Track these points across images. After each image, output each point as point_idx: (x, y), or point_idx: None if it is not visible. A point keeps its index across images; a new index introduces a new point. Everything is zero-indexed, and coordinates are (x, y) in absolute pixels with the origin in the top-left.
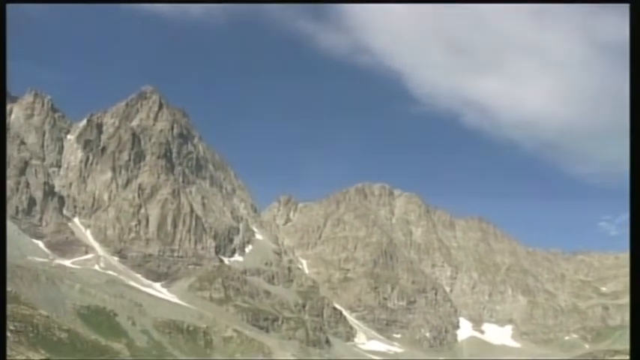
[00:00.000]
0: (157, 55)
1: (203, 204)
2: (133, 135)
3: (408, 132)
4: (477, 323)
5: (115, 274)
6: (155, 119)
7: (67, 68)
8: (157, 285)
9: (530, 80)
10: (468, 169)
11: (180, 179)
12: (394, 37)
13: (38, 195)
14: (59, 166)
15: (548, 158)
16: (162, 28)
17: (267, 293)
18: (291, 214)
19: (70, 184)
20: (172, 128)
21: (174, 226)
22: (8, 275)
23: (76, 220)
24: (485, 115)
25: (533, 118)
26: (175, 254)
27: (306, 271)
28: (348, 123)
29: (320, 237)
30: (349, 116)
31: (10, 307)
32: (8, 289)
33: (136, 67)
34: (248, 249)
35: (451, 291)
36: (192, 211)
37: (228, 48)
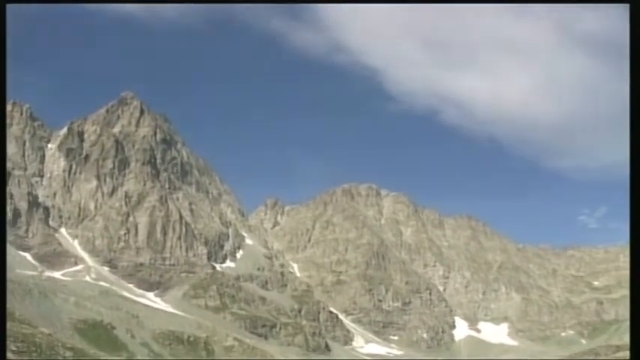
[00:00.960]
0: (133, 59)
1: (191, 210)
2: (116, 142)
3: (387, 130)
4: (473, 322)
5: (108, 284)
6: (137, 125)
7: (42, 74)
8: (150, 294)
9: (507, 75)
10: (451, 166)
11: (167, 185)
12: (370, 35)
13: (22, 206)
14: (42, 176)
15: (526, 153)
16: (136, 32)
17: (263, 299)
18: (279, 218)
19: (55, 194)
20: (155, 134)
21: (164, 233)
22: None
23: (63, 230)
24: (464, 111)
25: (511, 113)
26: (167, 262)
27: (298, 274)
28: (328, 123)
29: (309, 240)
30: (328, 117)
31: (8, 326)
32: None
33: (112, 73)
34: (239, 254)
35: (444, 290)
36: (181, 217)
37: (204, 50)
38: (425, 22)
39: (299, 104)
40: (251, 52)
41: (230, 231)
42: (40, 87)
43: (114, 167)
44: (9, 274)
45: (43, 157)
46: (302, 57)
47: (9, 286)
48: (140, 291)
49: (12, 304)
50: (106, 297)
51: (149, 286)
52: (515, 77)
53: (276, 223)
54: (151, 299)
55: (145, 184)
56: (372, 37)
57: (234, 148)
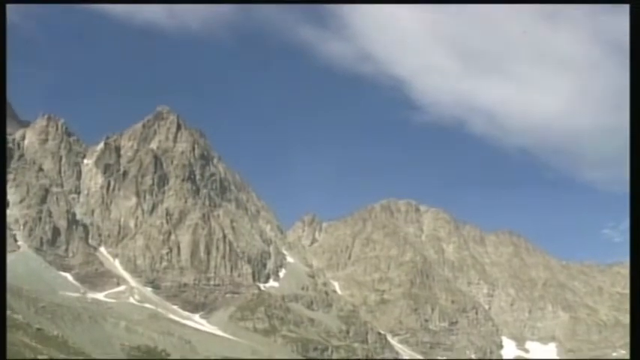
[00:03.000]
0: (162, 72)
1: (232, 228)
2: (155, 158)
3: (414, 143)
4: (520, 342)
5: (153, 306)
6: (174, 140)
7: (74, 91)
8: (196, 316)
9: (539, 85)
10: (483, 180)
11: (207, 202)
12: (397, 44)
13: (62, 224)
14: (78, 193)
15: (558, 164)
16: (163, 44)
17: (311, 321)
18: (317, 234)
19: (93, 212)
20: (193, 149)
21: (208, 252)
22: (48, 315)
23: (102, 249)
24: (493, 121)
25: (541, 124)
26: (211, 283)
27: (340, 293)
28: (355, 136)
29: (350, 257)
30: (355, 129)
31: (62, 354)
32: (54, 332)
33: (142, 86)
34: (282, 273)
35: (489, 309)
36: (224, 236)
37: (230, 61)
38: (454, 30)
39: (325, 116)
40: (277, 62)
41: (271, 249)
42: (74, 103)
43: (153, 184)
44: (52, 297)
45: (79, 173)
46: (329, 67)
47: (59, 311)
48: (186, 313)
49: (63, 330)
50: (155, 321)
51: (194, 308)
52: (546, 87)
53: (314, 240)
54: (197, 321)
55: (185, 201)
56: (400, 46)
57: (264, 163)
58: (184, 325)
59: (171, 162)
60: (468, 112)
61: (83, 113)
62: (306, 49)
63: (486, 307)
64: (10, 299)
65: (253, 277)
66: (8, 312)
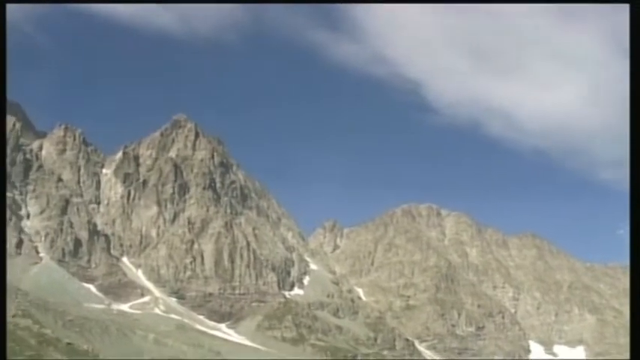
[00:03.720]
0: (175, 80)
1: (255, 235)
2: (174, 166)
3: (430, 145)
4: (548, 346)
5: (179, 317)
6: (193, 148)
7: (87, 100)
8: (222, 326)
9: (554, 84)
10: (501, 182)
11: (229, 210)
12: (411, 45)
13: (83, 235)
14: (98, 203)
15: (574, 165)
16: (172, 49)
17: (339, 328)
18: (338, 240)
19: (114, 222)
20: (213, 157)
21: (232, 261)
22: (76, 329)
23: (125, 259)
24: (509, 122)
25: (556, 124)
26: (237, 292)
27: (364, 299)
28: (370, 139)
29: (373, 263)
30: (370, 132)
31: None
32: (84, 346)
33: (155, 94)
34: (306, 281)
35: (515, 313)
36: (248, 244)
37: (241, 66)
38: (468, 30)
39: (340, 122)
40: (289, 65)
41: (294, 256)
42: (87, 112)
43: (174, 192)
44: (78, 309)
45: (98, 183)
46: (341, 69)
47: (87, 324)
48: (212, 323)
49: (92, 344)
50: (183, 332)
51: (220, 318)
52: (561, 86)
53: (335, 247)
54: (224, 331)
55: (207, 210)
56: (413, 47)
57: (279, 169)
58: (213, 336)
59: (191, 170)
60: (484, 114)
61: (98, 123)
62: (319, 51)
63: (512, 311)
64: (37, 313)
65: (279, 285)
66: (36, 326)
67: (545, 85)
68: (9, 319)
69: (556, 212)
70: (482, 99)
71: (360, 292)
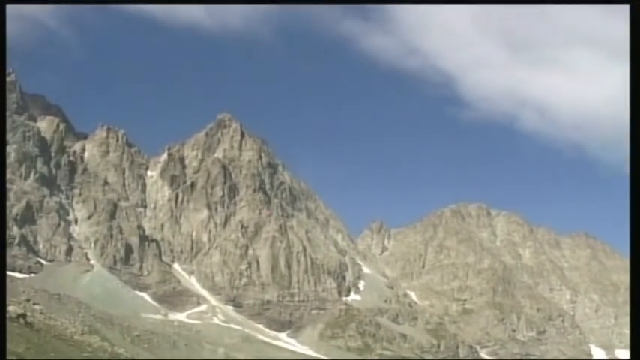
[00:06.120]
0: (212, 77)
1: (308, 239)
2: (223, 168)
3: (468, 141)
4: (609, 350)
5: (240, 327)
6: (240, 149)
7: (125, 101)
8: (283, 335)
9: (590, 74)
10: (541, 178)
11: (280, 213)
12: (444, 36)
13: (134, 241)
14: (145, 207)
15: (612, 159)
16: (206, 47)
17: (403, 336)
18: (386, 242)
19: (162, 226)
20: (260, 158)
21: (288, 266)
22: (144, 345)
23: (176, 265)
24: (545, 115)
25: (592, 117)
26: (296, 299)
27: (419, 304)
28: (405, 137)
29: (424, 266)
30: (404, 129)
31: None
32: None
33: (194, 93)
34: (361, 285)
35: (573, 316)
36: (304, 248)
37: (277, 62)
38: (502, 20)
39: (374, 117)
40: (320, 59)
41: (347, 259)
42: (128, 114)
43: (223, 195)
44: (137, 321)
45: (144, 186)
46: (372, 62)
47: (154, 339)
48: (272, 332)
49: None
50: (249, 344)
51: (280, 326)
52: (597, 77)
53: (384, 249)
54: (286, 341)
55: (260, 213)
56: (446, 39)
57: (319, 168)
58: (279, 347)
59: (240, 172)
60: (518, 107)
61: (138, 123)
62: (349, 42)
63: (571, 313)
64: (102, 328)
65: (338, 291)
66: (105, 343)
67: (580, 75)
68: (77, 336)
69: (597, 210)
70: (516, 91)
71: (413, 295)
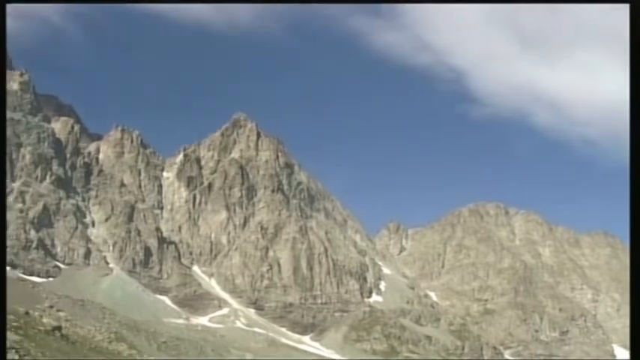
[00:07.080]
0: (224, 76)
1: (328, 240)
2: (240, 168)
3: (480, 138)
4: None
5: (264, 331)
6: (256, 149)
7: (137, 101)
8: (306, 339)
9: (601, 70)
10: (556, 176)
11: (299, 214)
12: (455, 32)
13: (152, 243)
14: (161, 208)
15: (623, 155)
16: (214, 42)
17: (428, 338)
18: (404, 242)
19: (180, 228)
20: (277, 158)
21: (310, 268)
22: (172, 352)
23: (196, 268)
24: (556, 111)
25: (604, 112)
26: (319, 301)
27: (439, 304)
28: (415, 134)
29: (443, 266)
30: (415, 127)
31: None
32: None
33: (205, 93)
34: (382, 286)
35: (595, 315)
36: (325, 249)
37: (288, 60)
38: (513, 15)
39: (385, 114)
40: (331, 55)
41: (367, 260)
42: (138, 113)
43: (242, 196)
44: (161, 326)
45: (160, 187)
46: (383, 58)
47: (182, 346)
48: (295, 335)
49: None
50: (275, 348)
51: (303, 329)
52: (609, 72)
53: (402, 249)
54: (310, 344)
55: (279, 214)
56: (457, 34)
57: (334, 169)
58: (305, 352)
59: (257, 172)
60: (530, 103)
61: (151, 123)
62: (359, 38)
63: (593, 313)
64: (129, 335)
65: (360, 292)
66: (133, 351)
67: (592, 71)
68: (105, 344)
69: (612, 208)
70: (527, 87)
71: (433, 295)
